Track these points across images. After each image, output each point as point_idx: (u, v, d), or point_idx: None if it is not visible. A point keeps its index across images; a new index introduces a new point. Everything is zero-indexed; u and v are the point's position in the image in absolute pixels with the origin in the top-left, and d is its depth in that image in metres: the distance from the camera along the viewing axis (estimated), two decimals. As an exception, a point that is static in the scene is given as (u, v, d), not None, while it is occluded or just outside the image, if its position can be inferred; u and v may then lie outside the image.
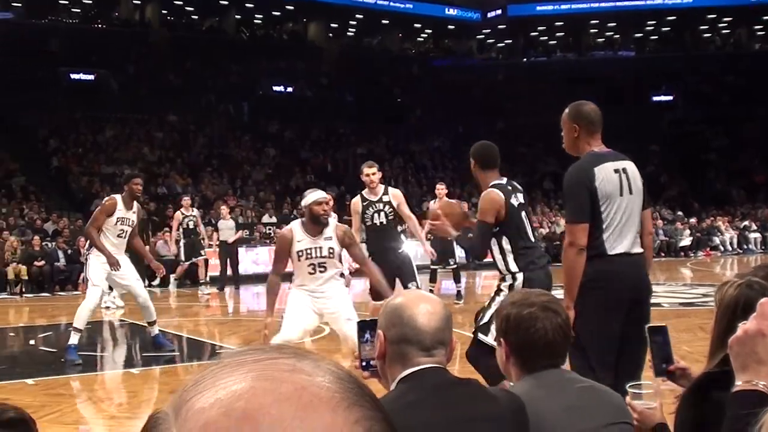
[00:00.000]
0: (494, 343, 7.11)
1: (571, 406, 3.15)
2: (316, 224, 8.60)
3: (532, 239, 7.45)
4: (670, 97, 53.61)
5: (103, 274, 11.95)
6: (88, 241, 12.56)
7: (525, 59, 58.59)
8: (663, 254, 35.61)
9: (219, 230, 23.41)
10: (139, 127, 39.67)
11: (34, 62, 40.79)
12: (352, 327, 8.61)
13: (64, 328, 16.29)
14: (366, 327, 3.48)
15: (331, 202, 9.77)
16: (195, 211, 22.44)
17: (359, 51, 54.96)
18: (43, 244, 25.04)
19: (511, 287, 6.89)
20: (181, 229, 22.04)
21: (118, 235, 11.90)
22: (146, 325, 12.49)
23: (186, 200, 22.57)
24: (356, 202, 11.27)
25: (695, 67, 52.92)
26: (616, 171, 5.87)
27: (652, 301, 17.22)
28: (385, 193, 11.18)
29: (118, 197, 12.02)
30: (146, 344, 13.51)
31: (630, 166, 6.01)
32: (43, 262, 23.82)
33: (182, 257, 22.62)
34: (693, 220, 38.65)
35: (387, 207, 11.07)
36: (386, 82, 51.62)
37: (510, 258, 7.05)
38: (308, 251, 8.60)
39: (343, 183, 39.04)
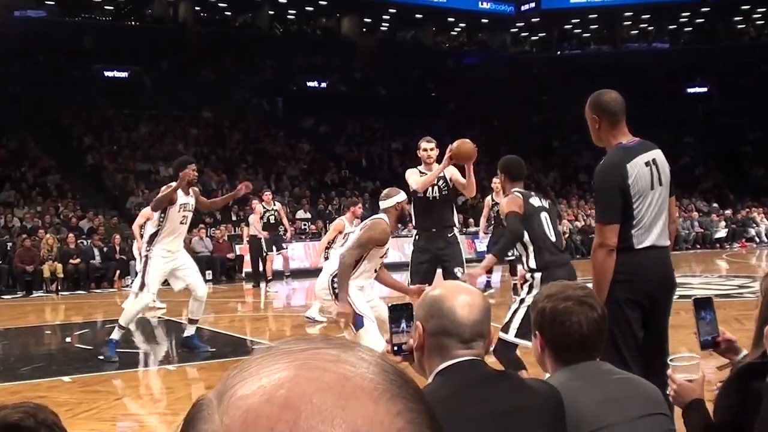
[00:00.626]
0: (515, 340, 7.34)
1: (608, 397, 3.14)
2: (399, 224, 8.72)
3: (553, 242, 7.69)
4: (704, 89, 53.30)
5: (162, 276, 11.79)
6: (146, 239, 12.19)
7: (559, 52, 58.38)
8: (698, 246, 35.47)
9: (249, 225, 23.36)
10: (174, 123, 39.83)
11: (68, 60, 41.07)
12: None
13: (101, 325, 16.38)
14: (399, 312, 3.43)
15: None
16: (277, 205, 22.29)
17: (393, 45, 54.88)
18: (79, 241, 25.16)
19: (531, 286, 7.33)
20: (261, 223, 21.86)
21: (180, 222, 11.83)
22: (185, 321, 12.44)
23: (267, 194, 22.37)
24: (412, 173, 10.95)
25: (730, 58, 52.51)
26: (647, 164, 5.67)
27: (688, 293, 17.21)
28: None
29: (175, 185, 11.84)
30: (182, 340, 13.53)
31: (658, 155, 5.80)
32: (78, 260, 23.94)
33: (265, 250, 22.31)
34: (728, 212, 38.48)
35: (441, 182, 10.80)
36: (420, 77, 51.57)
37: (531, 255, 7.47)
38: (387, 251, 8.62)
39: (378, 178, 39.04)
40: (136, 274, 24.60)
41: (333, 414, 0.73)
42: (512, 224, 7.60)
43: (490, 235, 18.53)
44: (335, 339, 0.84)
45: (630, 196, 5.55)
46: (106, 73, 42.49)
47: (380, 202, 8.81)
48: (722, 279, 22.53)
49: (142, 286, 11.70)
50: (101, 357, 11.32)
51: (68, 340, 14.04)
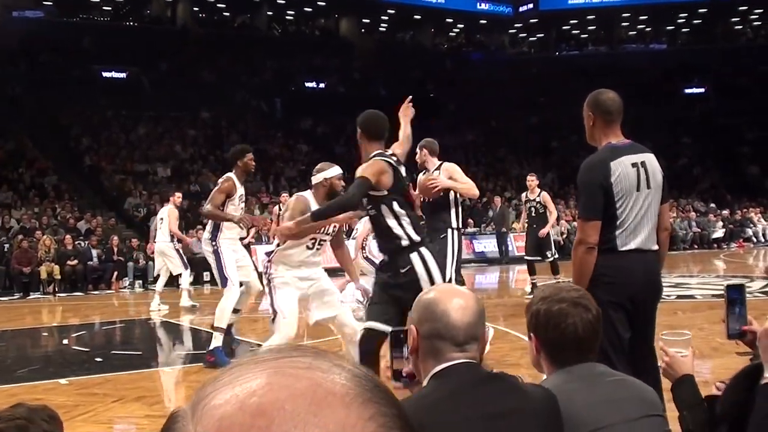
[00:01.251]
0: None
1: (604, 399, 3.14)
2: (329, 200, 8.21)
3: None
4: (702, 90, 53.41)
5: (235, 264, 11.53)
6: (211, 234, 11.66)
7: (557, 53, 58.46)
8: (696, 246, 35.54)
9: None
10: (172, 124, 39.84)
11: (66, 60, 41.06)
12: (346, 310, 8.63)
13: (98, 327, 16.37)
14: (400, 338, 3.40)
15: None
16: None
17: (391, 46, 54.92)
18: (76, 243, 25.13)
19: (411, 249, 7.01)
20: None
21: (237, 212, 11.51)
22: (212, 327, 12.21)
23: (284, 196, 22.09)
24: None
25: (727, 59, 52.63)
26: (634, 165, 5.66)
27: (686, 293, 17.12)
28: (437, 168, 11.13)
29: (233, 175, 11.52)
30: (180, 343, 13.54)
31: (649, 158, 5.79)
32: (76, 261, 23.92)
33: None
34: (726, 212, 38.59)
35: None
36: (419, 77, 51.57)
37: (406, 223, 7.06)
38: (329, 229, 8.55)
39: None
40: (134, 275, 24.79)
41: (305, 420, 0.74)
42: (352, 190, 7.16)
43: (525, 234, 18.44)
44: (309, 348, 0.86)
45: (612, 195, 5.57)
46: (105, 74, 42.50)
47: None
48: (720, 279, 22.54)
49: (224, 281, 11.39)
50: (212, 366, 10.80)
51: (65, 342, 14.01)
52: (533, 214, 17.52)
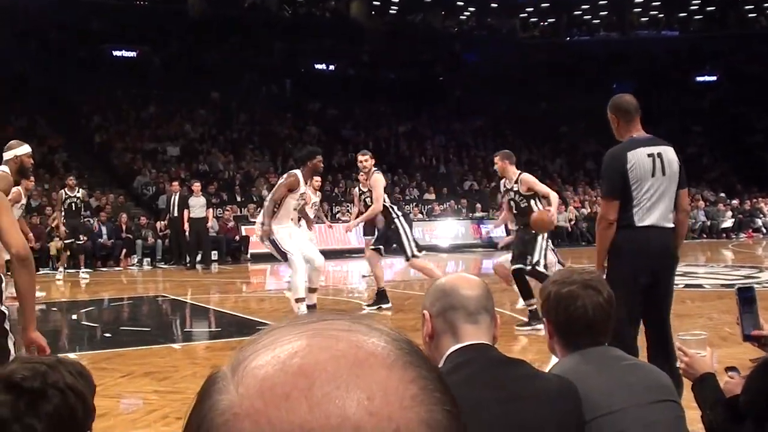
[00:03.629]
0: None
1: (617, 382, 3.13)
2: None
3: None
4: (713, 78, 53.22)
5: (290, 239, 12.32)
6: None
7: (568, 38, 58.20)
8: (705, 236, 35.42)
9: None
10: (182, 104, 39.81)
11: (76, 40, 41.04)
12: None
13: (107, 303, 16.44)
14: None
15: None
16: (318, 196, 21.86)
17: (401, 29, 54.77)
18: (85, 220, 25.17)
19: None
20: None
21: (294, 209, 12.42)
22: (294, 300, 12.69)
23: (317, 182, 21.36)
24: (355, 192, 14.14)
25: (739, 47, 52.35)
26: (650, 155, 6.59)
27: (693, 282, 17.17)
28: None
29: (299, 173, 12.26)
30: (188, 320, 13.61)
31: (667, 151, 6.71)
32: (85, 239, 23.96)
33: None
34: (735, 202, 38.38)
35: (368, 192, 13.49)
36: (428, 61, 51.46)
37: None
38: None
39: (384, 161, 39.00)
40: (142, 253, 24.90)
41: (347, 381, 0.74)
42: None
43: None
44: (346, 312, 0.86)
45: (628, 180, 6.49)
46: (115, 53, 42.48)
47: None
48: (728, 269, 22.53)
49: (284, 255, 12.41)
50: None
51: (74, 317, 14.07)
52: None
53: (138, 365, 10.03)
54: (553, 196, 12.09)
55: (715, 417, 3.53)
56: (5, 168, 8.67)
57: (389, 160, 39.53)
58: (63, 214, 20.90)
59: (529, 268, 11.54)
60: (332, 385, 0.73)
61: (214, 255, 24.52)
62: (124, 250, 24.43)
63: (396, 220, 13.50)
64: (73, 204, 20.90)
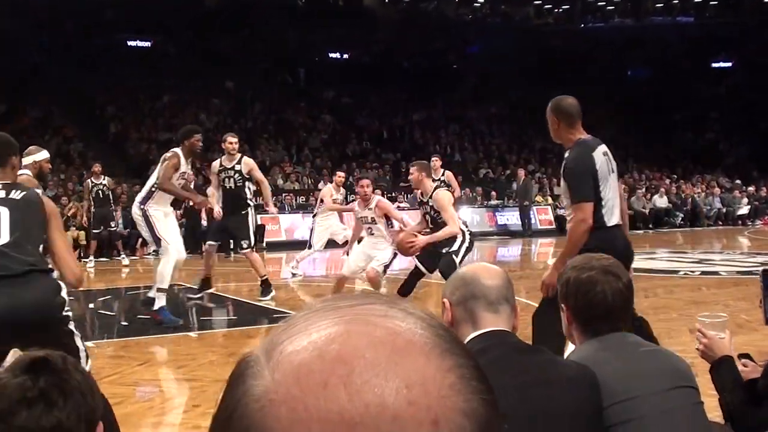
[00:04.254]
0: None
1: (635, 369, 3.12)
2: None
3: None
4: (729, 64, 52.95)
5: (167, 225, 12.10)
6: (142, 199, 12.24)
7: (582, 25, 57.99)
8: (720, 222, 35.30)
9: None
10: (196, 93, 39.85)
11: (91, 30, 41.10)
12: None
13: (124, 292, 16.50)
14: None
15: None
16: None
17: (415, 17, 54.68)
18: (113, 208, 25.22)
19: None
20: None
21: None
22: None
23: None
24: (214, 165, 13.92)
25: (755, 32, 52.03)
26: (604, 154, 6.71)
27: (710, 269, 17.23)
28: (239, 162, 13.42)
29: (179, 151, 12.16)
30: (203, 308, 13.66)
31: (606, 148, 6.85)
32: (101, 228, 24.01)
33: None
34: (751, 189, 38.12)
35: (236, 174, 13.56)
36: (442, 49, 51.38)
37: None
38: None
39: (399, 149, 39.05)
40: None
41: (386, 369, 0.73)
42: None
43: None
44: (381, 295, 0.85)
45: (598, 180, 6.55)
46: (129, 43, 42.55)
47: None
48: (744, 256, 22.47)
49: (158, 242, 12.25)
50: (161, 324, 11.50)
51: (91, 306, 14.13)
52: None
53: (155, 353, 10.08)
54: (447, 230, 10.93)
55: (733, 400, 3.53)
56: (27, 172, 8.72)
57: (403, 148, 39.53)
58: (92, 202, 21.11)
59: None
60: (371, 373, 0.72)
61: (230, 243, 24.55)
62: (140, 239, 24.46)
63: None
64: (101, 192, 21.50)
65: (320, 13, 49.39)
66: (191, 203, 13.33)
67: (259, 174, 14.17)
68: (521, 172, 32.65)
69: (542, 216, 32.54)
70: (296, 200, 30.51)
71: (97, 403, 2.33)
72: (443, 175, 17.17)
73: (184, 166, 12.12)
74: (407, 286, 11.44)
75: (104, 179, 21.64)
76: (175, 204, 13.50)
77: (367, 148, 39.23)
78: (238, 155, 13.85)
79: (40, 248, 5.54)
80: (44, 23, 39.60)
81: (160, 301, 11.59)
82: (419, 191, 11.63)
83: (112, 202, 23.10)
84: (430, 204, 11.04)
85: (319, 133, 39.70)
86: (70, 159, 31.18)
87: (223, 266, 21.67)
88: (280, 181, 32.24)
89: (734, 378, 3.58)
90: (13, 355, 2.59)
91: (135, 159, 33.24)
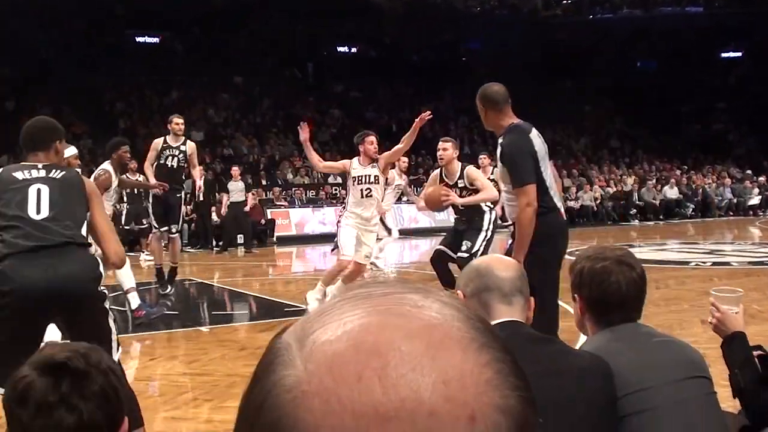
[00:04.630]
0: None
1: (648, 359, 3.11)
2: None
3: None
4: (738, 54, 52.78)
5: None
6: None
7: (590, 16, 57.81)
8: (731, 213, 35.24)
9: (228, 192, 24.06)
10: (205, 89, 39.89)
11: (99, 26, 41.14)
12: None
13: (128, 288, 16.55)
14: None
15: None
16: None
17: (423, 9, 54.57)
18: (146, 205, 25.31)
19: None
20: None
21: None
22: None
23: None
24: (157, 142, 14.24)
25: (764, 23, 51.82)
26: (539, 136, 6.76)
27: (722, 259, 17.22)
28: (184, 143, 13.87)
29: (109, 167, 12.35)
30: (215, 302, 13.67)
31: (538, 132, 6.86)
32: (132, 223, 24.04)
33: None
34: (762, 179, 38.04)
35: (181, 154, 13.81)
36: (450, 41, 51.31)
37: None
38: None
39: (407, 143, 38.95)
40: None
41: (422, 363, 0.71)
42: None
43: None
44: (414, 284, 0.82)
45: (538, 162, 6.55)
46: (138, 39, 42.58)
47: None
48: (755, 246, 22.43)
49: None
50: (147, 319, 11.40)
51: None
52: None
53: (167, 348, 10.10)
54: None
55: (744, 376, 3.52)
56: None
57: (413, 142, 39.48)
58: (124, 198, 21.68)
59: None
60: (407, 367, 0.70)
61: (240, 238, 24.59)
62: (150, 235, 24.55)
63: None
64: (135, 189, 21.76)
65: (327, 7, 49.37)
66: (155, 190, 13.47)
67: (196, 160, 14.36)
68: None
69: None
70: (306, 194, 30.52)
71: (122, 400, 2.32)
72: (492, 173, 15.72)
73: (114, 183, 12.29)
74: (444, 275, 11.40)
75: (139, 177, 21.87)
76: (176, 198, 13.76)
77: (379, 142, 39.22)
78: (183, 137, 14.10)
79: (83, 227, 5.58)
80: (52, 20, 39.64)
81: (135, 300, 11.49)
82: (444, 173, 11.70)
83: (143, 198, 23.30)
84: (460, 185, 11.24)
85: (328, 128, 39.70)
86: (79, 156, 31.16)
87: (232, 261, 21.72)
88: (290, 176, 32.27)
89: (746, 354, 3.56)
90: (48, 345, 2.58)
91: (144, 155, 33.24)
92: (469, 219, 11.44)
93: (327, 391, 0.70)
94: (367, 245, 11.56)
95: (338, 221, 11.21)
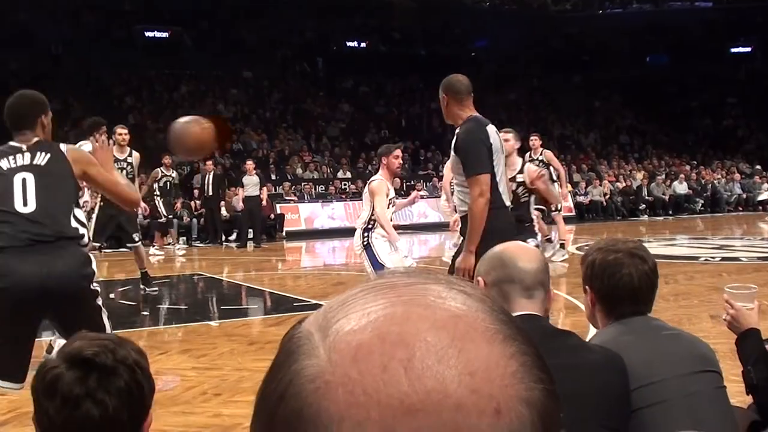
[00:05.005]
0: None
1: (657, 353, 3.10)
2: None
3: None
4: (748, 49, 52.63)
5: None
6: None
7: (600, 11, 57.71)
8: (741, 208, 35.13)
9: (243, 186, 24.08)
10: (214, 83, 39.92)
11: (109, 21, 41.19)
12: None
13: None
14: None
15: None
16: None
17: (432, 4, 54.51)
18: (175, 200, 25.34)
19: None
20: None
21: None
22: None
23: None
24: None
25: (775, 17, 51.76)
26: (496, 132, 6.66)
27: (731, 255, 17.20)
28: (130, 155, 13.65)
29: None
30: (224, 297, 13.67)
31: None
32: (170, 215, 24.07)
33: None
34: (772, 174, 37.93)
35: (129, 166, 13.48)
36: (459, 36, 51.26)
37: None
38: None
39: (417, 138, 39.03)
40: (178, 233, 25.08)
41: (448, 354, 0.70)
42: None
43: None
44: (436, 273, 0.81)
45: (492, 154, 6.49)
46: (147, 34, 42.60)
47: None
48: (765, 242, 22.38)
49: None
50: None
51: (112, 296, 14.17)
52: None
53: (176, 343, 10.11)
54: None
55: (757, 373, 3.50)
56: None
57: (422, 136, 39.52)
58: (157, 191, 22.30)
59: None
60: (433, 359, 0.70)
61: (249, 233, 24.59)
62: (169, 230, 24.65)
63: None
64: (168, 183, 22.38)
65: (337, 2, 49.36)
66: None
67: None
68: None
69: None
70: (315, 189, 30.51)
71: (147, 396, 2.34)
72: (542, 154, 16.59)
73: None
74: None
75: (173, 172, 22.30)
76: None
77: (385, 137, 39.18)
78: (128, 148, 13.81)
79: (73, 212, 5.48)
80: (62, 15, 39.71)
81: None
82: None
83: (173, 194, 23.66)
84: (519, 179, 10.82)
85: (338, 122, 39.70)
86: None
87: (241, 256, 21.74)
88: (299, 171, 32.26)
89: (759, 351, 3.55)
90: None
91: (154, 150, 33.32)
92: (523, 215, 10.91)
93: (352, 382, 0.69)
94: (401, 250, 10.90)
95: (365, 243, 10.11)
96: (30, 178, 5.44)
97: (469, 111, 6.72)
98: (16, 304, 5.15)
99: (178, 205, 24.69)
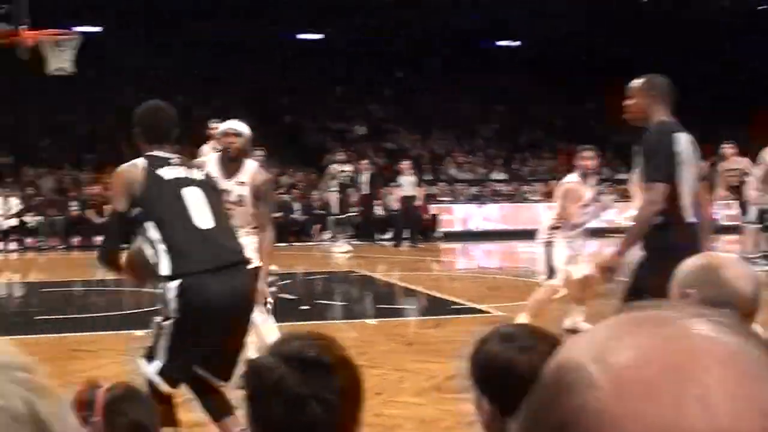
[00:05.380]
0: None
1: None
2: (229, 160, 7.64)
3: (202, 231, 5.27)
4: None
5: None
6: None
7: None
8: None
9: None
10: (367, 85, 40.21)
11: (257, 25, 41.93)
12: None
13: (301, 276, 16.77)
14: None
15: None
16: None
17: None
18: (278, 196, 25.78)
19: (165, 303, 5.13)
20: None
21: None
22: None
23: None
24: None
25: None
26: (692, 142, 5.87)
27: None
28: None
29: None
30: (383, 296, 13.70)
31: (692, 138, 5.94)
32: (280, 214, 24.43)
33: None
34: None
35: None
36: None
37: (162, 255, 5.12)
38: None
39: (574, 140, 38.58)
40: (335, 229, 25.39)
41: (738, 392, 0.67)
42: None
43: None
44: (691, 305, 0.79)
45: (676, 163, 5.74)
46: (299, 36, 43.12)
47: None
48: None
49: None
50: None
51: (273, 289, 14.33)
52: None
53: (339, 339, 10.14)
54: None
55: None
56: None
57: (578, 138, 39.06)
58: (337, 189, 22.91)
59: None
60: (727, 396, 0.66)
61: (405, 233, 24.68)
62: (318, 226, 25.07)
63: None
64: (348, 179, 23.20)
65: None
66: None
67: None
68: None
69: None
70: (470, 190, 30.42)
71: (363, 391, 2.34)
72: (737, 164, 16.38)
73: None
74: None
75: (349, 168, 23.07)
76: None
77: (539, 137, 38.87)
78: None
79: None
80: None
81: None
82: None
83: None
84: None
85: (491, 123, 39.51)
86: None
87: (396, 255, 21.78)
88: (453, 171, 32.21)
89: None
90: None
91: (310, 148, 33.90)
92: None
93: (643, 416, 0.68)
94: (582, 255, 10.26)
95: (549, 242, 9.57)
96: (198, 192, 5.28)
97: (665, 115, 5.98)
98: (209, 323, 5.13)
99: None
